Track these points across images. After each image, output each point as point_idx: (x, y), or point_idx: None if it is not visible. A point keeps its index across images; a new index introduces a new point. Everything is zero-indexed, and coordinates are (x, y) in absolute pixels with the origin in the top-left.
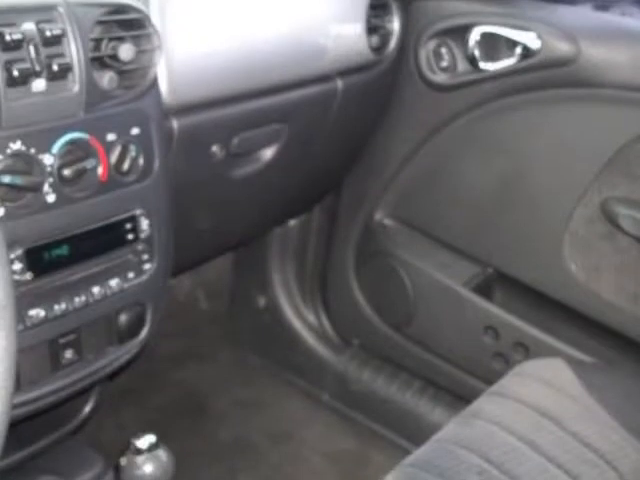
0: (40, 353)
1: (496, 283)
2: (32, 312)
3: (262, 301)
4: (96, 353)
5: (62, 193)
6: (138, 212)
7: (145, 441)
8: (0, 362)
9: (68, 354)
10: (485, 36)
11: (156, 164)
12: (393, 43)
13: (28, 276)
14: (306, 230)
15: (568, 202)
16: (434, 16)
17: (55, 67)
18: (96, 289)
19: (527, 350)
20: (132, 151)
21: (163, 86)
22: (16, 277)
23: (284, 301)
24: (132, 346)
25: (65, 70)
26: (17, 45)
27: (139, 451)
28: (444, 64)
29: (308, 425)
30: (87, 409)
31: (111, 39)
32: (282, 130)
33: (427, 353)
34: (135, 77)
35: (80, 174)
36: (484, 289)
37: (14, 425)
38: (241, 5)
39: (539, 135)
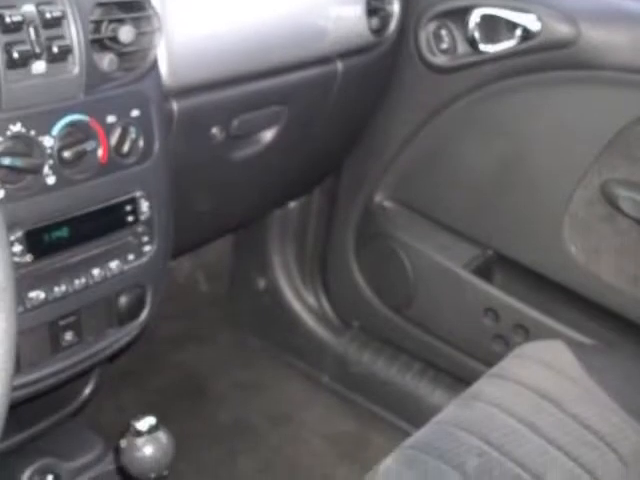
0: (40, 335)
1: (496, 265)
2: (32, 294)
3: (262, 283)
4: (96, 335)
5: (62, 175)
6: (138, 194)
7: (145, 423)
8: (0, 344)
9: (68, 336)
10: (485, 18)
11: (156, 146)
12: (393, 25)
13: (28, 258)
14: (306, 212)
15: (568, 184)
16: None
17: (55, 49)
18: (96, 271)
19: (527, 332)
20: (132, 133)
21: (163, 68)
22: (16, 259)
23: (284, 283)
24: (132, 328)
25: (65, 52)
26: (17, 27)
27: (139, 433)
28: (444, 46)
29: (308, 407)
30: (87, 391)
31: (111, 21)
32: (282, 112)
33: (427, 335)
34: (135, 59)
35: (80, 156)
36: (484, 271)
37: (14, 407)
38: None
39: (539, 117)
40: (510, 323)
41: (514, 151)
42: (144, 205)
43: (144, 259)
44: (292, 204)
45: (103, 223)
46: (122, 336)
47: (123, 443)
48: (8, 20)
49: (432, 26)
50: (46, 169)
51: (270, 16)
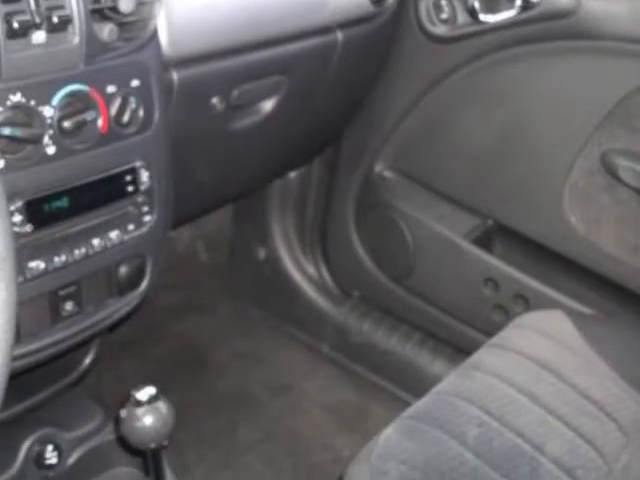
0: (40, 305)
1: (496, 235)
2: (32, 264)
3: (262, 253)
4: (96, 305)
5: (62, 145)
6: (138, 164)
7: (145, 393)
8: (0, 314)
9: (68, 306)
10: None
11: (156, 116)
12: None
13: (28, 228)
14: (306, 182)
15: (568, 154)
16: None
17: (55, 19)
18: (96, 241)
19: (527, 302)
20: (132, 103)
21: (163, 38)
22: (16, 229)
23: (284, 253)
24: (132, 298)
25: (65, 22)
26: None
27: (139, 403)
28: (444, 16)
29: (308, 377)
30: (87, 361)
31: None
32: (282, 82)
33: (427, 305)
34: (135, 29)
35: (80, 126)
36: (484, 241)
37: (14, 377)
38: None
39: (539, 87)
40: (510, 293)
41: (514, 121)
42: (144, 175)
43: (144, 229)
44: (292, 174)
45: (103, 193)
46: (122, 306)
47: (123, 413)
48: None
49: None
50: (46, 139)
51: None
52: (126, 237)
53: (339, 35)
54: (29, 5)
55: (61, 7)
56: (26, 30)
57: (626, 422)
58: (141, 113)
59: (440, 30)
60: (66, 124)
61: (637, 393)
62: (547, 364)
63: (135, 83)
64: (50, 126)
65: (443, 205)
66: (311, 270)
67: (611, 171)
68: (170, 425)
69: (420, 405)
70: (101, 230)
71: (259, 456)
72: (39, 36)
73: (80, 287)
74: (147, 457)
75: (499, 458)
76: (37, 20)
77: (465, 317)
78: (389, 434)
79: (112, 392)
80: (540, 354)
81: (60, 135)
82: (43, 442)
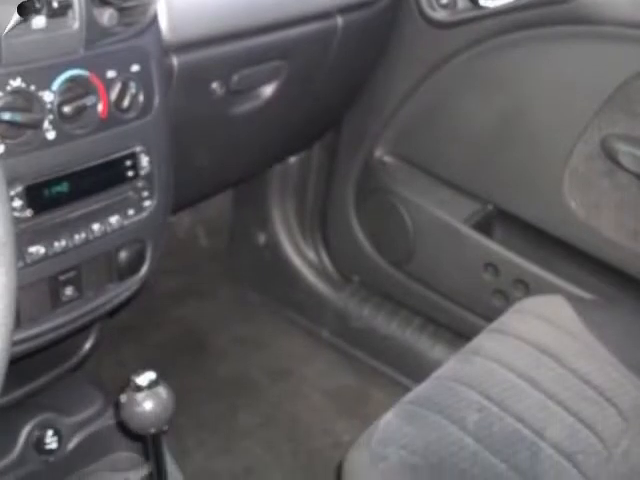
0: (40, 290)
1: (496, 220)
2: (32, 249)
3: (262, 238)
4: (96, 290)
5: (62, 130)
6: (138, 149)
7: (145, 378)
8: (0, 299)
9: (68, 291)
10: None
11: (156, 101)
12: None
13: (28, 213)
14: (306, 167)
15: (568, 139)
16: None
17: (55, 4)
18: (96, 226)
19: (527, 287)
20: (132, 88)
21: (163, 23)
22: (16, 214)
23: (284, 238)
24: (132, 283)
25: (65, 7)
26: None
27: (139, 388)
28: (444, 1)
29: (308, 362)
30: (87, 346)
31: None
32: (282, 67)
33: (427, 290)
34: (135, 14)
35: (80, 111)
36: (484, 226)
37: (14, 362)
38: None
39: (539, 72)
40: (510, 278)
41: (514, 106)
42: (144, 160)
43: (144, 214)
44: (292, 159)
45: (103, 178)
46: (122, 291)
47: (123, 398)
48: None
49: None
50: (46, 124)
51: None
52: (126, 222)
53: (339, 20)
54: None
55: None
56: (26, 15)
57: (626, 407)
58: (141, 98)
59: (440, 15)
60: (66, 109)
61: (637, 378)
62: (547, 349)
63: (135, 68)
64: (50, 111)
65: (443, 190)
66: (311, 255)
67: (611, 156)
68: (170, 410)
69: (420, 390)
70: (101, 215)
71: (259, 441)
72: (39, 21)
73: (80, 272)
74: (147, 442)
75: (499, 443)
76: (37, 5)
77: (465, 302)
78: (389, 419)
79: (112, 377)
80: (540, 339)
81: (60, 120)
82: (43, 427)
